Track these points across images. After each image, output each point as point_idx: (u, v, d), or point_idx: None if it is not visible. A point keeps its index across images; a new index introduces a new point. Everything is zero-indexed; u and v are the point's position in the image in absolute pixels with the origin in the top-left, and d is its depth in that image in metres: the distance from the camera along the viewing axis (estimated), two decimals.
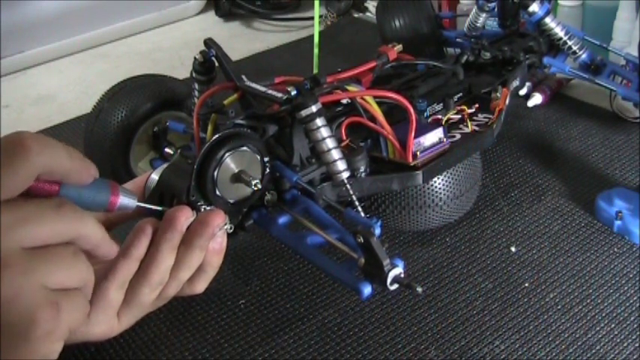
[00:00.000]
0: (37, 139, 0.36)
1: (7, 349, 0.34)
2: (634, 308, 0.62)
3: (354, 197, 0.59)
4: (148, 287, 0.46)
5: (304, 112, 0.58)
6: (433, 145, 0.63)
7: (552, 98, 0.94)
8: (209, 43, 0.68)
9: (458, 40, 0.91)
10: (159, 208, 0.47)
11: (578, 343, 0.59)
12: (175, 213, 0.45)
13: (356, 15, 1.30)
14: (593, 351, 0.58)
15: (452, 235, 0.72)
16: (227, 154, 0.51)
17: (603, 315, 0.61)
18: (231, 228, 0.49)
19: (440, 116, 0.69)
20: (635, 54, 0.84)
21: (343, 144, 0.62)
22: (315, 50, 0.95)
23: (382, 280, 0.50)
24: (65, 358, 0.55)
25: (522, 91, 0.92)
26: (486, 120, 0.69)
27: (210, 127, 0.64)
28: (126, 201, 0.42)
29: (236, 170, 0.52)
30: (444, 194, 0.66)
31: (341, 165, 0.59)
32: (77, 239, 0.38)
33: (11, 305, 0.34)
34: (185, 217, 0.46)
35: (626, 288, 0.64)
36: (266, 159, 0.54)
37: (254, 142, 0.53)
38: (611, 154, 0.83)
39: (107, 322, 0.46)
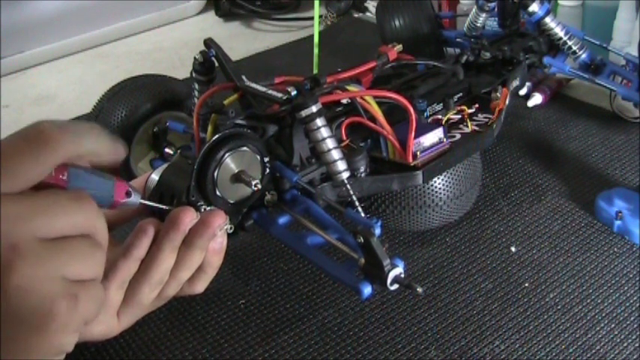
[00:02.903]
0: (60, 126, 0.35)
1: (22, 340, 0.34)
2: (634, 308, 0.62)
3: (354, 197, 0.59)
4: (148, 287, 0.46)
5: (304, 112, 0.58)
6: (433, 145, 0.63)
7: (552, 98, 0.94)
8: (209, 43, 0.68)
9: (458, 40, 0.91)
10: (163, 206, 0.47)
11: (578, 343, 0.59)
12: (180, 214, 0.45)
13: (356, 15, 1.30)
14: (593, 351, 0.58)
15: (452, 235, 0.72)
16: (227, 155, 0.51)
17: (603, 315, 0.61)
18: (231, 228, 0.49)
19: (440, 116, 0.69)
20: (635, 54, 0.84)
21: (343, 144, 0.62)
22: (315, 50, 0.95)
23: (382, 280, 0.50)
24: (65, 358, 0.54)
25: (522, 91, 0.92)
26: (486, 120, 0.69)
27: (210, 127, 0.64)
28: (131, 197, 0.42)
29: (236, 170, 0.52)
30: (444, 194, 0.66)
31: (341, 165, 0.59)
32: (93, 233, 0.37)
33: (26, 296, 0.33)
34: (189, 218, 0.46)
35: (626, 288, 0.64)
36: (266, 159, 0.54)
37: (254, 142, 0.53)
38: (611, 154, 0.83)
39: (107, 322, 0.46)
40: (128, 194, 0.42)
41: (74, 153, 0.36)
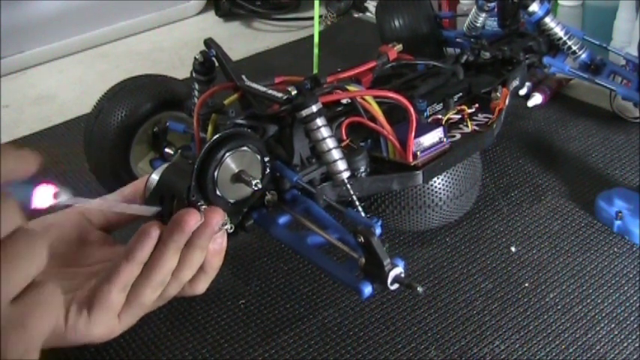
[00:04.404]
0: None
1: None
2: (634, 308, 0.62)
3: (354, 197, 0.59)
4: (150, 288, 0.46)
5: (305, 112, 0.58)
6: (433, 145, 0.63)
7: (552, 98, 0.94)
8: (209, 43, 0.68)
9: (457, 39, 0.91)
10: (138, 213, 0.45)
11: (578, 343, 0.59)
12: (185, 216, 0.46)
13: (356, 15, 1.30)
14: (593, 351, 0.58)
15: (452, 235, 0.72)
16: (227, 154, 0.51)
17: (603, 315, 0.61)
18: (231, 228, 0.50)
19: (440, 116, 0.69)
20: (635, 54, 0.84)
21: (343, 144, 0.62)
22: (315, 50, 0.95)
23: (383, 279, 0.50)
24: (65, 358, 0.55)
25: (522, 91, 0.92)
26: (486, 120, 0.69)
27: (210, 127, 0.64)
28: (57, 199, 0.36)
29: (236, 170, 0.52)
30: (444, 194, 0.66)
31: (341, 165, 0.59)
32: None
33: None
34: (194, 220, 0.46)
35: (626, 288, 0.64)
36: (266, 159, 0.54)
37: (254, 142, 0.53)
38: (611, 154, 0.83)
39: (108, 323, 0.46)
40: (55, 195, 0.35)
41: None
